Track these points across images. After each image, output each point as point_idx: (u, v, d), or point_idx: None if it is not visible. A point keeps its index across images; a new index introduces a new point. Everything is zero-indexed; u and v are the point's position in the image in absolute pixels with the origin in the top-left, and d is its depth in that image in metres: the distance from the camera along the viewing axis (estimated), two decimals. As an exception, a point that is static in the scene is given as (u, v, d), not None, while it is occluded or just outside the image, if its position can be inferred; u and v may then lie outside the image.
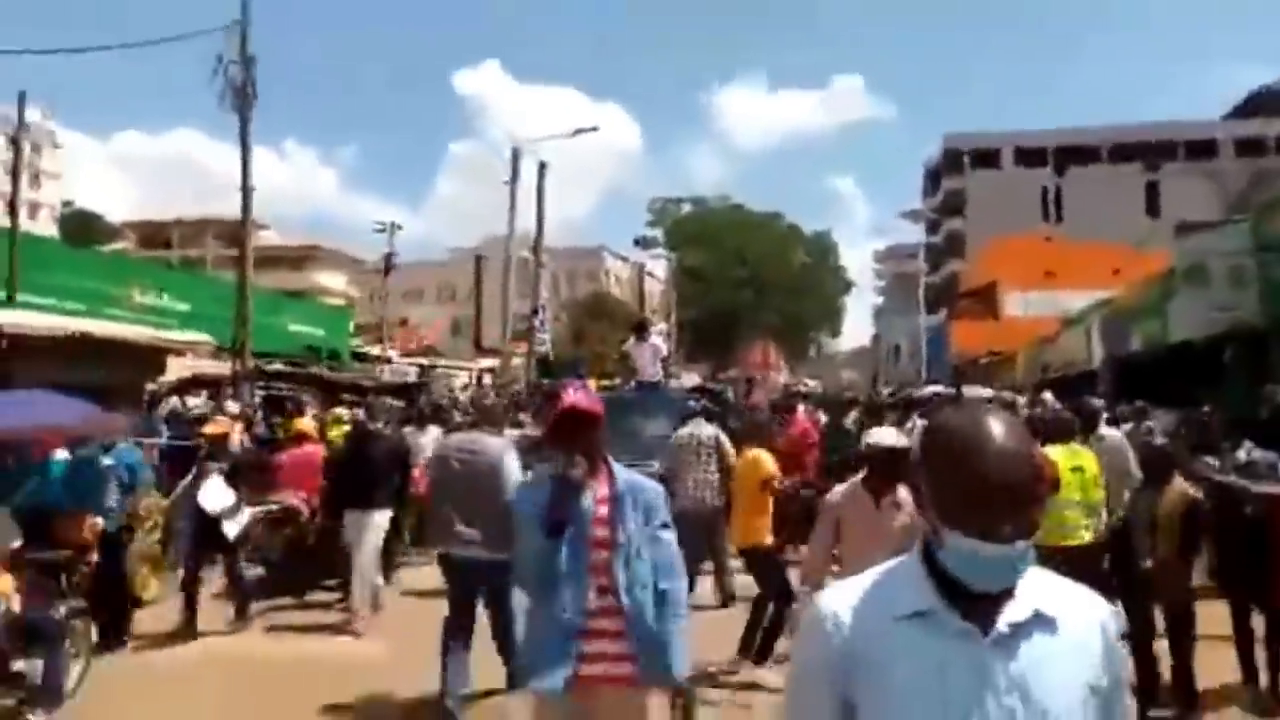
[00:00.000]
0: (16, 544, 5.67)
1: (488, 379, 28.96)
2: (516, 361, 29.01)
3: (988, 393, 16.62)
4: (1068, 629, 1.50)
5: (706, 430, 8.02)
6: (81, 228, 60.20)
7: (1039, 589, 1.51)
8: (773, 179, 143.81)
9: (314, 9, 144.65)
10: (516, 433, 9.79)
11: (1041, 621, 1.49)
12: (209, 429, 8.52)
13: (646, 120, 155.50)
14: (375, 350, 30.67)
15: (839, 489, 4.79)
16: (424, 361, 31.87)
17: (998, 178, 55.32)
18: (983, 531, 1.42)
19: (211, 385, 13.17)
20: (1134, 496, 5.89)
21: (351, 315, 38.63)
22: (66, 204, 70.46)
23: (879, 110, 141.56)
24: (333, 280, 60.97)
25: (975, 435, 1.46)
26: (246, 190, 13.82)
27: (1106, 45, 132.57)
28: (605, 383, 14.54)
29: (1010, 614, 1.48)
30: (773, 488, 6.79)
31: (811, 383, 31.18)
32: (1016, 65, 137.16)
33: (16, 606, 5.31)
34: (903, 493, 4.38)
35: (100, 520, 6.61)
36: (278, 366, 13.38)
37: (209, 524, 7.39)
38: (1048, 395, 12.08)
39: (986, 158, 56.34)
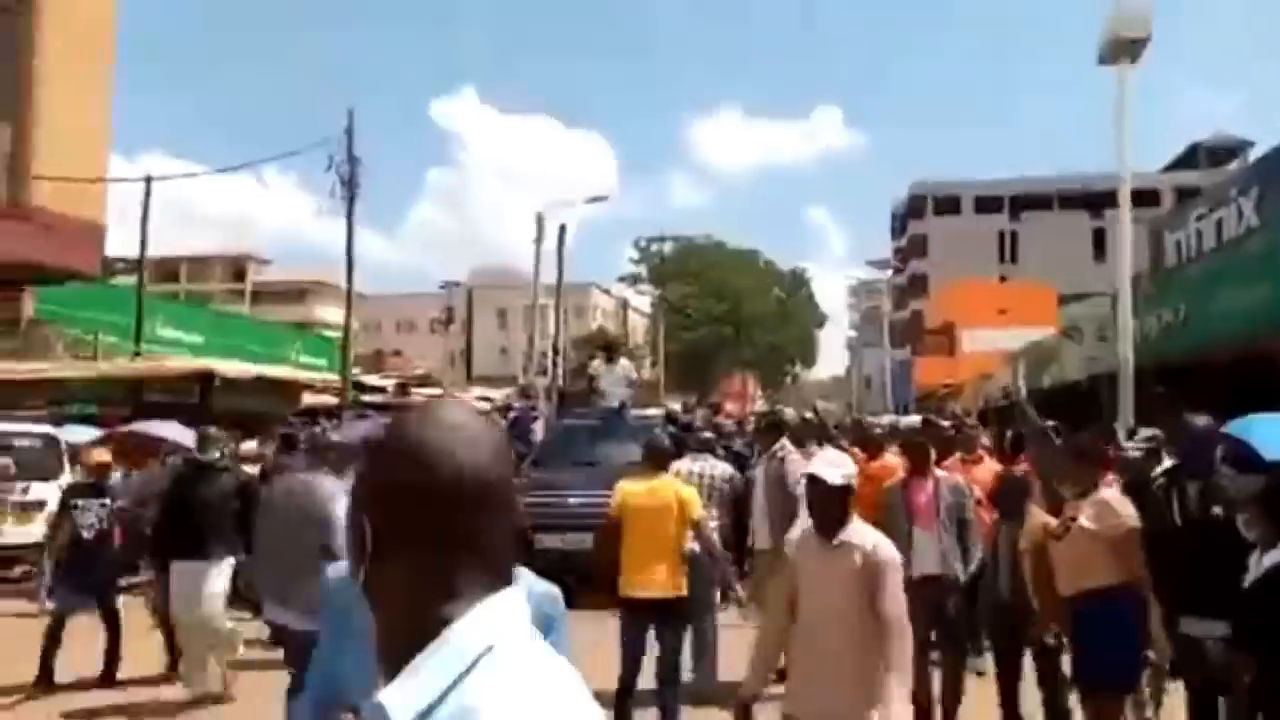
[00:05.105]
0: None
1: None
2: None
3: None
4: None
5: (720, 468, 6.88)
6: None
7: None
8: (750, 207, 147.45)
9: (291, 41, 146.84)
10: None
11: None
12: (94, 457, 7.80)
13: (622, 148, 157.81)
14: (371, 380, 32.96)
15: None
16: (426, 391, 34.55)
17: (958, 223, 59.84)
18: None
19: (314, 415, 16.58)
20: (994, 529, 5.59)
21: (351, 347, 40.84)
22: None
23: (857, 141, 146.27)
24: (331, 313, 64.06)
25: None
26: (350, 262, 17.53)
27: (1074, 88, 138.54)
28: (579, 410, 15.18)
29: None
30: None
31: (789, 411, 34.30)
32: (991, 100, 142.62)
33: None
34: (855, 529, 3.40)
35: None
36: (371, 398, 16.87)
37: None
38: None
39: (948, 204, 60.91)
